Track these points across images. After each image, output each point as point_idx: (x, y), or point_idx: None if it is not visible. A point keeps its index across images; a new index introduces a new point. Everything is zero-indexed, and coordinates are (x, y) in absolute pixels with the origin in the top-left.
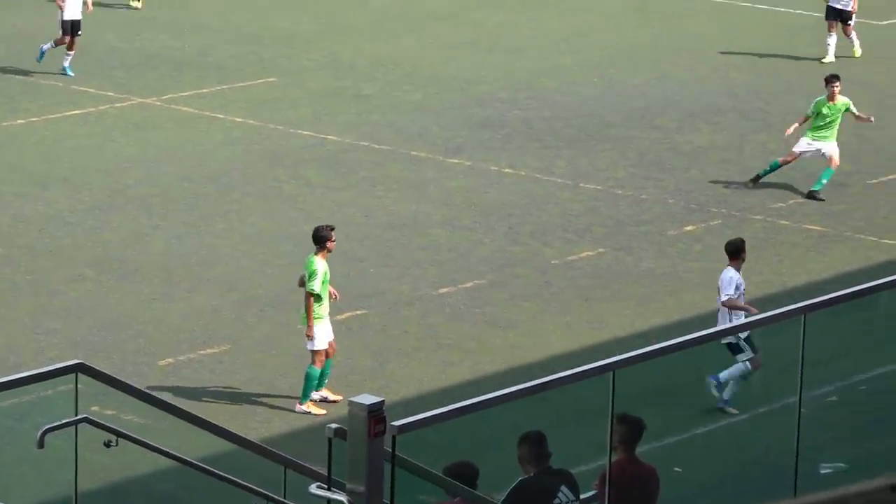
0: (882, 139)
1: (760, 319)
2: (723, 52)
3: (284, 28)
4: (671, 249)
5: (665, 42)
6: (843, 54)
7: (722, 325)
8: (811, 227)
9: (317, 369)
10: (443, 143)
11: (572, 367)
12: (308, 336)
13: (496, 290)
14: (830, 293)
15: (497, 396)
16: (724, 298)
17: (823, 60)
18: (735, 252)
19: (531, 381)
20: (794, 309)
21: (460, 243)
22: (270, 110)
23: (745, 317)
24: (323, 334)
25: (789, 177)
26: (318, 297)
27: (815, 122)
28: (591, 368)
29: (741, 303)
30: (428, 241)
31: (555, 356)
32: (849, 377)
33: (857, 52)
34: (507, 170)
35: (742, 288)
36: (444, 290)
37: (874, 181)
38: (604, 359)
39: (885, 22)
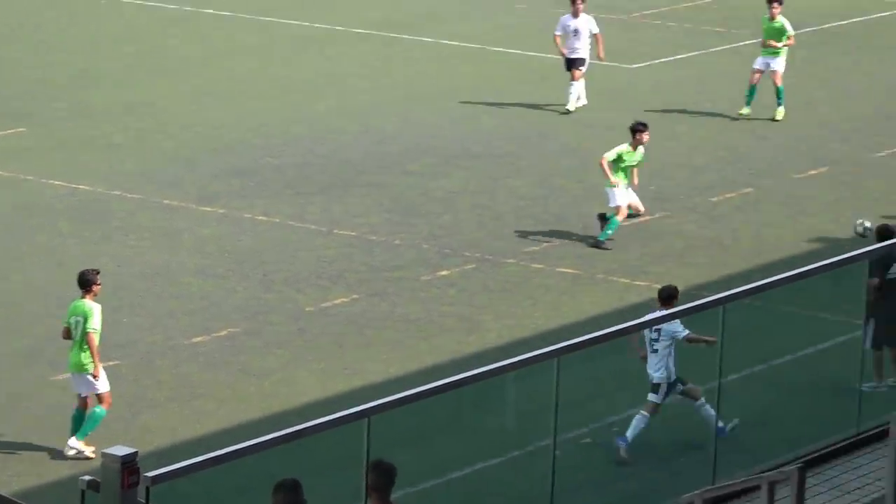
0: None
1: (515, 363)
2: (474, 97)
3: (33, 76)
4: (425, 295)
5: (417, 88)
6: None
7: (658, 370)
8: (564, 270)
9: (105, 410)
10: (196, 191)
11: (327, 415)
12: (94, 376)
13: (250, 338)
14: (583, 336)
15: (252, 445)
16: (685, 335)
17: (568, 108)
18: (668, 298)
19: (286, 428)
20: (548, 352)
21: (213, 291)
22: (20, 161)
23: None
24: (105, 375)
25: (542, 220)
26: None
27: (616, 166)
28: (347, 415)
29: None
30: (181, 290)
31: (310, 403)
32: (602, 418)
33: (572, 106)
34: (260, 217)
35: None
36: (198, 338)
37: (626, 223)
38: (359, 405)
39: (634, 66)
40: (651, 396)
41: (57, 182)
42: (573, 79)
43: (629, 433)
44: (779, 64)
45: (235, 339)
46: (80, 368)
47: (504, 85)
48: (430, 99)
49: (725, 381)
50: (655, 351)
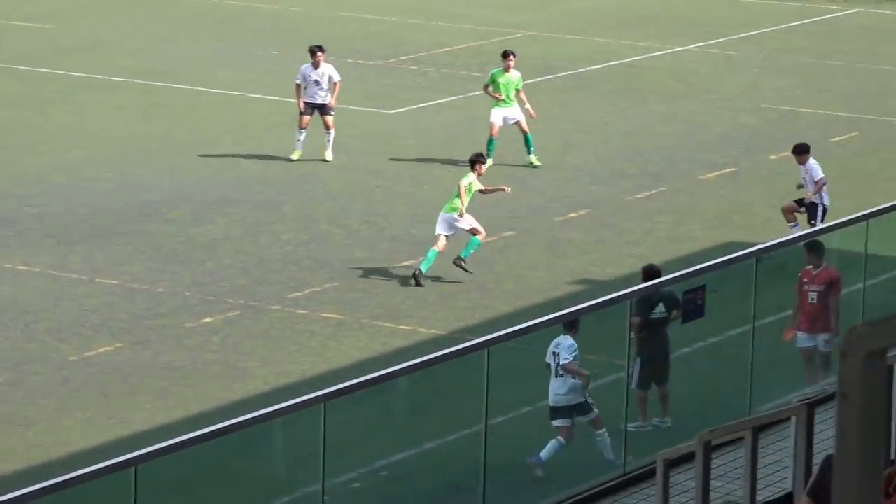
0: (394, 227)
1: (281, 409)
2: (234, 144)
3: None
4: (189, 342)
5: (176, 135)
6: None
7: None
8: (329, 315)
9: None
10: None
11: (94, 464)
12: None
13: (13, 389)
14: (349, 381)
15: (17, 497)
16: (564, 363)
17: (292, 157)
18: (572, 324)
19: (52, 479)
20: (314, 398)
21: None
22: None
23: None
24: None
25: (305, 266)
26: None
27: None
28: (113, 464)
29: (577, 368)
30: None
31: (76, 453)
32: (370, 463)
33: (329, 156)
34: (20, 267)
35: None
36: None
37: (389, 268)
38: (126, 454)
39: (393, 111)
40: (558, 422)
41: None
42: (327, 127)
43: (543, 454)
44: (518, 113)
45: None
46: None
47: (263, 131)
48: (190, 146)
49: (493, 424)
50: (561, 375)
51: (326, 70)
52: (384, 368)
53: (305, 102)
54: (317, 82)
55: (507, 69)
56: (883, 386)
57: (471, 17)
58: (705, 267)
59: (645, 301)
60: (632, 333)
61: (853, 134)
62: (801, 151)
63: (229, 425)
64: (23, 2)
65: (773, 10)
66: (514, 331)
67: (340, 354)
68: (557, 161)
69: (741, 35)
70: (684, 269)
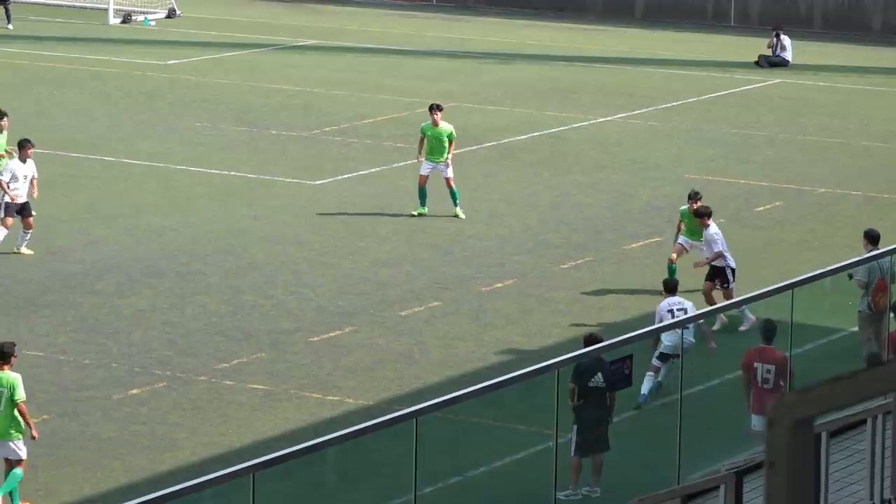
0: (320, 298)
1: (210, 480)
2: (159, 215)
3: None
4: (117, 413)
5: (101, 206)
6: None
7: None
8: (256, 386)
9: (21, 471)
10: None
11: None
12: (34, 437)
13: None
14: (279, 451)
15: None
16: None
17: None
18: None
19: None
20: (243, 468)
21: None
22: None
23: None
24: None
25: (231, 337)
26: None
27: None
28: None
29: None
30: None
31: None
32: None
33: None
34: None
35: None
36: None
37: (315, 338)
38: None
39: (318, 182)
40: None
41: None
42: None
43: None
44: (448, 170)
45: None
46: (6, 436)
47: (189, 202)
48: (115, 217)
49: (421, 494)
50: None
51: (31, 166)
52: (313, 439)
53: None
54: (25, 176)
55: (434, 123)
56: (810, 454)
57: (393, 89)
58: (633, 336)
59: (584, 368)
60: (568, 401)
61: (777, 203)
62: (702, 215)
63: (158, 497)
64: None
65: (695, 81)
66: (443, 401)
67: (268, 425)
68: (483, 231)
69: (664, 105)
70: (612, 338)
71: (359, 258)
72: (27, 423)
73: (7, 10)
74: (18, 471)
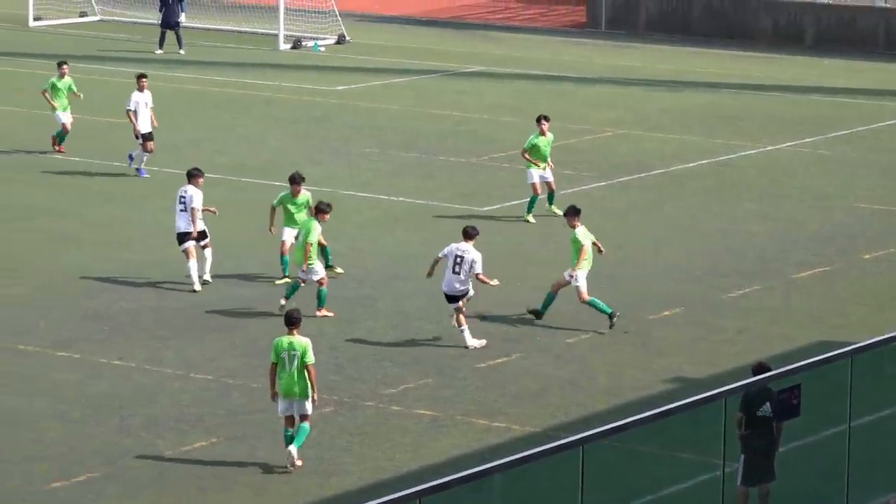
0: (489, 325)
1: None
2: (328, 240)
3: None
4: (283, 438)
5: (269, 231)
6: None
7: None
8: (422, 411)
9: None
10: (50, 336)
11: None
12: (314, 401)
13: (109, 484)
14: (445, 477)
15: None
16: (479, 272)
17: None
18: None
19: None
20: (409, 494)
21: (71, 437)
22: None
23: None
24: None
25: (399, 362)
26: None
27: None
28: None
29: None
30: (38, 435)
31: None
32: None
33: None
34: (116, 362)
35: None
36: (56, 483)
37: (482, 364)
38: None
39: (485, 208)
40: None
41: None
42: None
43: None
44: (550, 174)
45: (94, 484)
46: (302, 395)
47: (357, 227)
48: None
49: None
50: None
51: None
52: (479, 465)
53: None
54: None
55: (542, 133)
56: None
57: (561, 116)
58: (801, 366)
59: (750, 398)
60: (735, 430)
61: None
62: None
63: None
64: (117, 103)
65: (864, 110)
66: (609, 428)
67: (434, 451)
68: (650, 258)
69: (833, 134)
70: (779, 367)
71: (525, 284)
72: (312, 386)
73: (178, 36)
74: (307, 425)
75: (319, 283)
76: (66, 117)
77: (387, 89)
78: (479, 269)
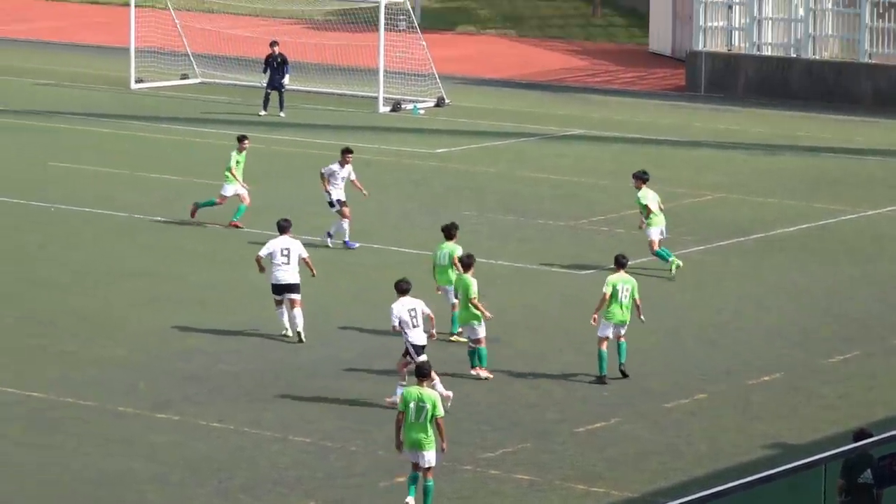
0: (586, 389)
1: None
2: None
3: None
4: (383, 502)
5: (366, 294)
6: None
7: None
8: (521, 476)
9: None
10: (149, 398)
11: None
12: (443, 450)
13: None
14: None
15: None
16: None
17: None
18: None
19: None
20: None
21: (171, 499)
22: None
23: None
24: None
25: (498, 426)
26: None
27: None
28: None
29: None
30: (137, 498)
31: None
32: None
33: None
34: (215, 424)
35: None
36: None
37: (580, 429)
38: None
39: (584, 272)
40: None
41: (8, 389)
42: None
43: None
44: (653, 234)
45: None
46: (424, 446)
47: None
48: (384, 302)
49: None
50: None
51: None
52: None
53: None
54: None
55: (638, 188)
56: None
57: (661, 179)
58: None
59: (851, 465)
60: (836, 497)
61: None
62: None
63: None
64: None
65: None
66: (709, 494)
67: None
68: (749, 322)
69: None
70: (880, 434)
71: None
72: (442, 437)
73: (281, 99)
74: (432, 483)
75: (477, 342)
76: (235, 190)
77: (485, 152)
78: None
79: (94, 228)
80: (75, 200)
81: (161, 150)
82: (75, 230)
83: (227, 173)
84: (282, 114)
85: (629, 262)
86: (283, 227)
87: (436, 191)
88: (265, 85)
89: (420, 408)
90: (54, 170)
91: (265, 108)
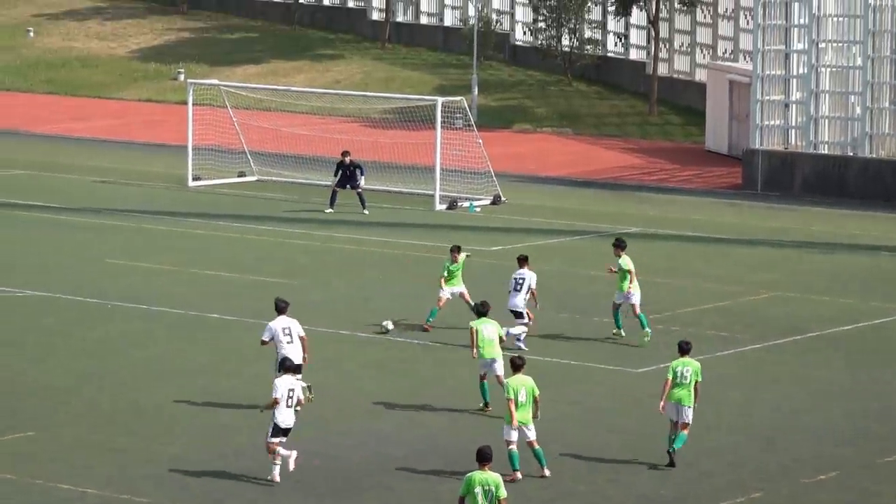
0: (642, 486)
1: None
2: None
3: (39, 381)
4: None
5: (423, 393)
6: None
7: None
8: None
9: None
10: (202, 494)
11: None
12: None
13: None
14: None
15: None
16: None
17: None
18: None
19: None
20: None
21: None
22: (28, 464)
23: None
24: None
25: None
26: None
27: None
28: None
29: None
30: None
31: None
32: None
33: None
34: None
35: None
36: None
37: None
38: None
39: (639, 370)
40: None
41: (64, 486)
42: None
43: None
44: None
45: None
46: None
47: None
48: (439, 401)
49: None
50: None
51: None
52: None
53: None
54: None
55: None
56: None
57: (716, 277)
58: None
59: None
60: None
61: None
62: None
63: None
64: (272, 263)
65: None
66: None
67: None
68: (805, 421)
69: None
70: None
71: (682, 452)
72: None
73: (361, 197)
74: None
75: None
76: (451, 291)
77: (541, 250)
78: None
79: (151, 325)
80: (133, 297)
81: (217, 247)
82: (132, 327)
83: (440, 281)
84: (365, 211)
85: (692, 349)
86: (281, 308)
87: (491, 288)
88: (334, 185)
89: (486, 491)
90: (112, 266)
91: (332, 205)
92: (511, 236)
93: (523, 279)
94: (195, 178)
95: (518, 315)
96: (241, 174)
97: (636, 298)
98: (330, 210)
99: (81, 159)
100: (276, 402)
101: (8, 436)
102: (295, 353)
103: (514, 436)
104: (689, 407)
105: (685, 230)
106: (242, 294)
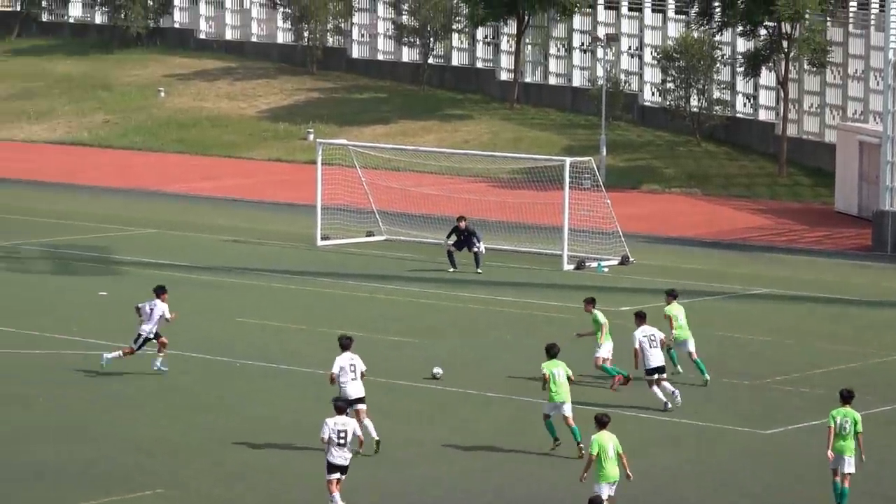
0: None
1: None
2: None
3: (170, 439)
4: None
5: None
6: None
7: None
8: None
9: None
10: None
11: None
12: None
13: None
14: None
15: None
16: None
17: None
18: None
19: None
20: None
21: None
22: None
23: None
24: None
25: None
26: None
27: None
28: None
29: None
30: None
31: None
32: None
33: None
34: None
35: None
36: None
37: None
38: None
39: (768, 431)
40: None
41: None
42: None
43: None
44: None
45: None
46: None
47: (632, 449)
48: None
49: None
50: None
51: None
52: None
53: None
54: None
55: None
56: None
57: (847, 339)
58: None
59: None
60: None
61: None
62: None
63: None
64: (402, 322)
65: None
66: None
67: None
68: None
69: None
70: None
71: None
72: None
73: (477, 259)
74: None
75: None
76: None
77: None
78: None
79: (279, 383)
80: (261, 356)
81: (345, 305)
82: (259, 385)
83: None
84: (479, 270)
85: (853, 398)
86: (345, 345)
87: (619, 348)
88: (450, 244)
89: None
90: (241, 325)
91: (453, 265)
92: (639, 297)
93: (654, 336)
94: (324, 238)
95: (661, 370)
96: (370, 233)
97: (691, 345)
98: (453, 269)
99: (211, 218)
100: (323, 441)
101: (137, 493)
102: (356, 390)
103: (606, 492)
104: (851, 457)
105: (814, 291)
106: (371, 352)
